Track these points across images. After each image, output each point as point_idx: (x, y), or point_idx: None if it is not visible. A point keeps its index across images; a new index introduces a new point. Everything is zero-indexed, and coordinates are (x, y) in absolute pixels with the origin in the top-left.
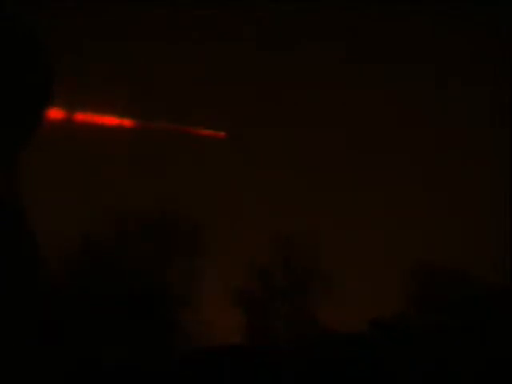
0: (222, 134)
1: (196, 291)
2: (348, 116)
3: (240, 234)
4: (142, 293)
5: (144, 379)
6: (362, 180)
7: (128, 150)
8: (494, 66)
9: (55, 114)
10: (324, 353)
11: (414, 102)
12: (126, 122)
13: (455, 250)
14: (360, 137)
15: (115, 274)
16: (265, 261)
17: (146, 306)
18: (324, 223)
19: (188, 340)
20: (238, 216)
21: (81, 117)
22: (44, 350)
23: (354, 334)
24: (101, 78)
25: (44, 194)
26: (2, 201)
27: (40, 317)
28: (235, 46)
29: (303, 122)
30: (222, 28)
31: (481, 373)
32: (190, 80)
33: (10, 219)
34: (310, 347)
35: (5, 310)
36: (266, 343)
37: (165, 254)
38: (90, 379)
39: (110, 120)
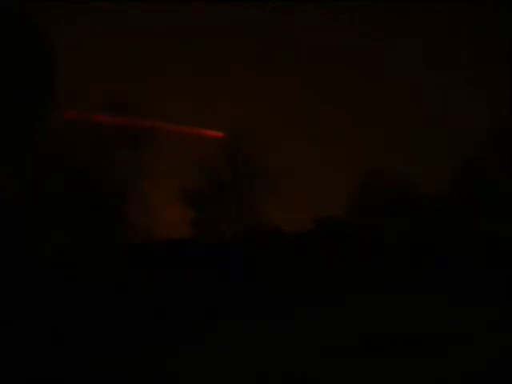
0: (220, 134)
1: (144, 187)
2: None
3: (188, 130)
4: (90, 187)
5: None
6: (317, 82)
7: None
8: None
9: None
10: (269, 248)
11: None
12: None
13: (401, 158)
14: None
15: (65, 169)
16: (212, 157)
17: (94, 201)
18: (275, 121)
19: (137, 234)
20: (187, 113)
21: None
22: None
23: (299, 231)
24: (99, 77)
25: None
26: (4, 198)
27: None
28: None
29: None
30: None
31: (417, 270)
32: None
33: (12, 217)
34: (255, 242)
35: None
36: (212, 238)
37: (113, 151)
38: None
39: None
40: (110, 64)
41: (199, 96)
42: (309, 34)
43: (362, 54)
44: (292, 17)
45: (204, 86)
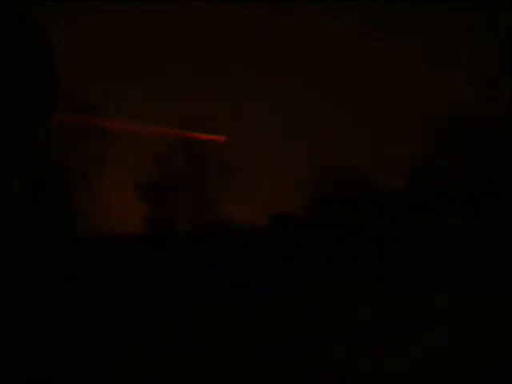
0: (221, 138)
1: (99, 180)
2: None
3: (144, 123)
4: (46, 181)
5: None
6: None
7: None
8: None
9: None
10: (224, 243)
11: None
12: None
13: (359, 150)
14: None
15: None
16: (168, 150)
17: (49, 194)
18: (229, 115)
19: (91, 228)
20: (143, 103)
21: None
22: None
23: (254, 227)
24: (98, 78)
25: None
26: (4, 199)
27: None
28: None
29: None
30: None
31: (374, 264)
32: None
33: (12, 217)
34: (210, 237)
35: None
36: (167, 232)
37: (69, 141)
38: None
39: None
40: (109, 64)
41: (199, 96)
42: (309, 34)
43: (362, 53)
44: (292, 17)
45: (203, 86)
